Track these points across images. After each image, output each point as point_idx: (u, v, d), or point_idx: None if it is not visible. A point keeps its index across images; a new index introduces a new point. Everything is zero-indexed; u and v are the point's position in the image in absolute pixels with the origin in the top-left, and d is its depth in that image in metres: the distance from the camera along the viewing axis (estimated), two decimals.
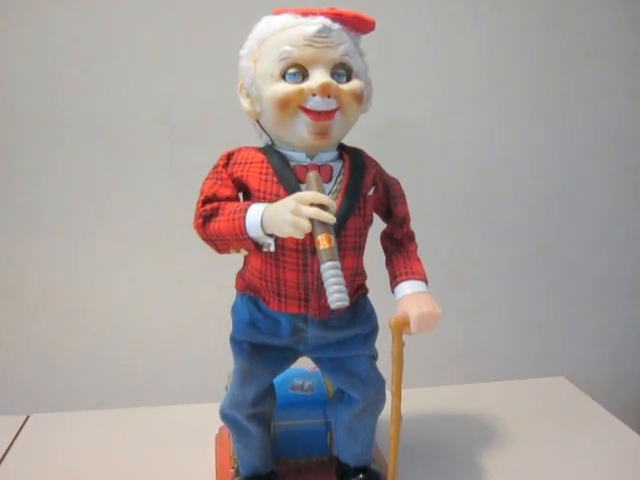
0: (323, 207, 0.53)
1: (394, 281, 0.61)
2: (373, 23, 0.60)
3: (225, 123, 0.91)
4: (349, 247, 0.59)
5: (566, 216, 1.12)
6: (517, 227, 1.11)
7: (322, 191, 0.54)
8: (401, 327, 0.57)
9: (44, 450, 0.81)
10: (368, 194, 0.61)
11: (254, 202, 0.57)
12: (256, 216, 0.54)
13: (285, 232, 0.53)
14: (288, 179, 0.58)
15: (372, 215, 0.62)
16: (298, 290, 0.59)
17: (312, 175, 0.55)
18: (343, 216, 0.58)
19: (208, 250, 0.61)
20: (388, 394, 0.62)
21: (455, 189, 1.06)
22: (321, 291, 0.57)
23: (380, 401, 0.66)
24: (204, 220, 0.57)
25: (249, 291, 0.63)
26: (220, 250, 0.59)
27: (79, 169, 0.96)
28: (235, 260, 0.64)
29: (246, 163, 0.60)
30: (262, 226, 0.54)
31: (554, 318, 1.16)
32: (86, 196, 0.97)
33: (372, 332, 0.66)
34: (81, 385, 1.02)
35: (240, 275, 0.65)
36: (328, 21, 0.57)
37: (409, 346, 0.58)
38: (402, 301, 0.59)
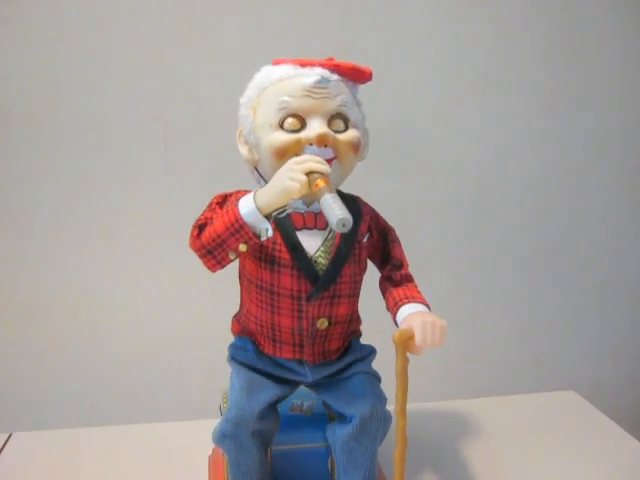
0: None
1: (395, 308, 0.61)
2: (370, 74, 0.62)
3: (221, 122, 0.91)
4: (344, 294, 0.61)
5: (572, 217, 1.12)
6: (522, 229, 1.10)
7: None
8: (405, 341, 0.55)
9: (27, 470, 0.79)
10: (363, 241, 0.63)
11: (249, 258, 0.60)
12: (248, 200, 0.55)
13: (285, 188, 0.53)
14: (285, 226, 0.60)
15: (367, 262, 0.65)
16: (293, 336, 0.61)
17: None
18: (339, 263, 0.60)
19: None
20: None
21: (459, 190, 1.06)
22: (315, 337, 0.61)
23: (379, 421, 0.61)
24: (199, 230, 0.58)
25: (245, 334, 0.65)
26: (219, 260, 0.58)
27: (72, 168, 0.95)
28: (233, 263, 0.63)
29: None
30: (256, 205, 0.54)
31: (559, 320, 1.16)
32: (79, 196, 0.96)
33: (369, 354, 0.66)
34: (66, 403, 1.01)
35: (236, 319, 0.67)
36: (326, 72, 0.59)
37: (413, 359, 0.56)
38: (405, 318, 0.59)
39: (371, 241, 0.65)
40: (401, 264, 0.65)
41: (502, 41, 1.02)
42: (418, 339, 0.55)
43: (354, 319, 0.65)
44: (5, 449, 0.83)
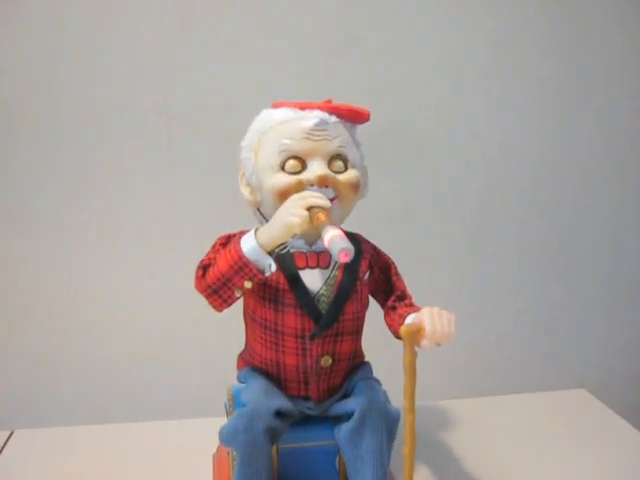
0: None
1: (401, 319, 0.62)
2: (368, 115, 0.63)
3: (224, 115, 0.92)
4: (347, 331, 0.63)
5: (577, 213, 1.12)
6: (527, 225, 1.10)
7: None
8: (412, 334, 0.55)
9: (28, 468, 0.78)
10: (364, 278, 0.65)
11: (254, 298, 0.62)
12: (249, 237, 0.58)
13: (286, 224, 0.56)
14: (288, 266, 0.61)
15: (368, 299, 0.67)
16: (298, 374, 0.63)
17: None
18: (341, 301, 0.62)
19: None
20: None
21: (463, 187, 1.06)
22: (320, 375, 0.63)
23: (379, 414, 0.60)
24: (204, 271, 0.61)
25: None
26: (225, 299, 0.60)
27: (71, 163, 0.94)
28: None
29: None
30: (258, 242, 0.57)
31: (565, 316, 1.16)
32: (79, 192, 0.95)
33: (370, 370, 0.68)
34: (68, 400, 1.01)
35: (241, 357, 0.69)
36: (325, 115, 0.61)
37: (420, 357, 0.56)
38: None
39: (372, 277, 0.66)
40: (405, 296, 0.66)
41: (504, 37, 1.02)
42: (428, 327, 0.55)
43: (357, 355, 0.67)
44: (7, 446, 0.83)
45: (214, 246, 0.63)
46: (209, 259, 0.61)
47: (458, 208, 1.07)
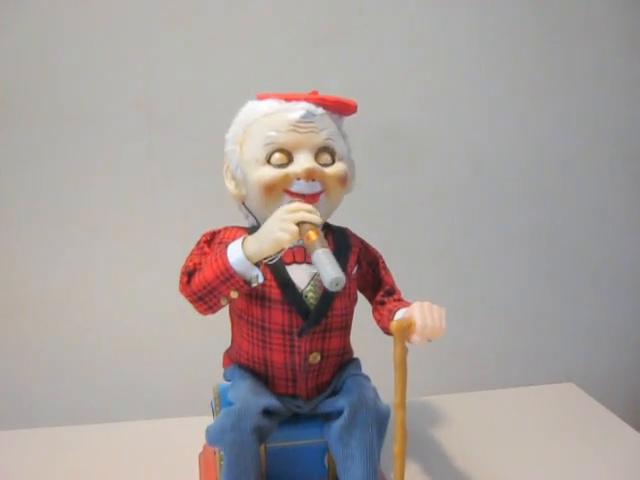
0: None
1: (390, 314, 0.61)
2: (355, 106, 0.62)
3: (205, 107, 0.90)
4: (336, 327, 0.62)
5: (565, 207, 1.11)
6: (515, 219, 1.10)
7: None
8: (403, 329, 0.55)
9: (13, 469, 0.77)
10: (352, 273, 0.64)
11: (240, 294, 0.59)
12: (236, 246, 0.56)
13: (275, 239, 0.54)
14: None
15: (357, 294, 0.66)
16: (285, 371, 0.62)
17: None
18: (329, 296, 0.61)
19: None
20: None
21: (450, 181, 1.05)
22: (308, 372, 0.62)
23: (369, 410, 0.60)
24: (188, 277, 0.59)
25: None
26: (211, 306, 0.59)
27: (49, 157, 0.92)
28: None
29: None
30: (245, 253, 0.55)
31: (552, 309, 1.15)
32: (58, 186, 0.93)
33: (359, 366, 0.67)
34: (51, 400, 1.00)
35: (227, 354, 0.68)
36: (311, 106, 0.60)
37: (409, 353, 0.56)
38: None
39: (360, 272, 0.66)
40: (393, 291, 0.66)
41: (490, 28, 1.01)
42: (418, 323, 0.54)
43: (346, 351, 0.66)
44: None
45: (199, 243, 0.62)
46: (194, 264, 0.60)
47: (443, 202, 1.06)
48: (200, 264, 0.59)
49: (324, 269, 0.51)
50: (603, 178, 1.11)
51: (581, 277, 1.15)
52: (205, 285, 0.57)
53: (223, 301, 0.58)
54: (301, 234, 0.54)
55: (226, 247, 0.56)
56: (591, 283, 1.15)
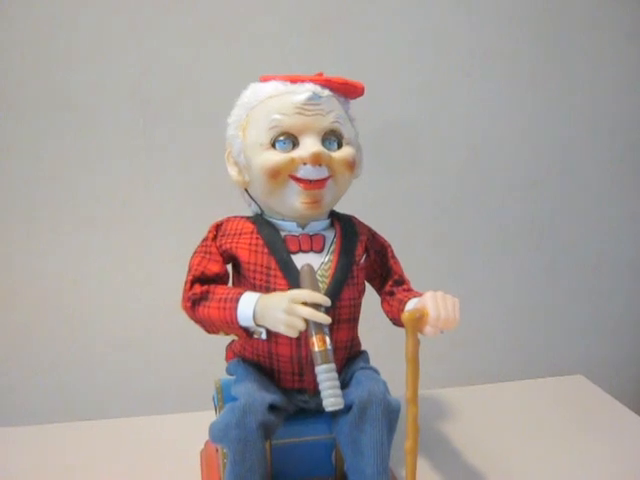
0: (317, 307, 0.54)
1: (401, 305, 0.61)
2: (362, 88, 0.60)
3: (202, 97, 0.89)
4: (344, 319, 0.60)
5: (563, 199, 1.11)
6: (513, 211, 1.09)
7: (316, 287, 0.56)
8: (415, 321, 0.53)
9: (8, 466, 0.75)
10: (360, 262, 0.62)
11: (244, 284, 0.59)
12: (248, 309, 0.55)
13: (278, 330, 0.54)
14: (279, 250, 0.59)
15: (364, 284, 0.64)
16: (292, 365, 0.60)
17: (306, 270, 0.56)
18: (337, 286, 0.59)
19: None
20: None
21: (446, 173, 1.05)
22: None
23: (379, 405, 0.57)
24: (193, 304, 0.58)
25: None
26: (209, 332, 0.59)
27: (42, 149, 0.91)
28: None
29: (235, 234, 0.60)
30: (254, 318, 0.55)
31: (558, 302, 1.15)
32: (51, 178, 0.93)
33: (367, 359, 0.66)
34: (47, 396, 0.99)
35: (230, 348, 0.66)
36: (317, 88, 0.58)
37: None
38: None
39: (368, 261, 0.64)
40: (403, 280, 0.64)
41: (487, 20, 1.00)
42: (432, 313, 0.53)
43: (354, 344, 0.64)
44: None
45: (205, 240, 0.61)
46: (202, 292, 0.58)
47: (442, 194, 1.05)
48: (207, 294, 0.58)
49: (325, 390, 0.53)
50: (602, 171, 1.11)
51: (580, 269, 1.15)
52: (209, 321, 0.57)
53: (222, 334, 0.59)
54: (307, 330, 0.53)
55: (238, 298, 0.55)
56: (589, 276, 1.15)
